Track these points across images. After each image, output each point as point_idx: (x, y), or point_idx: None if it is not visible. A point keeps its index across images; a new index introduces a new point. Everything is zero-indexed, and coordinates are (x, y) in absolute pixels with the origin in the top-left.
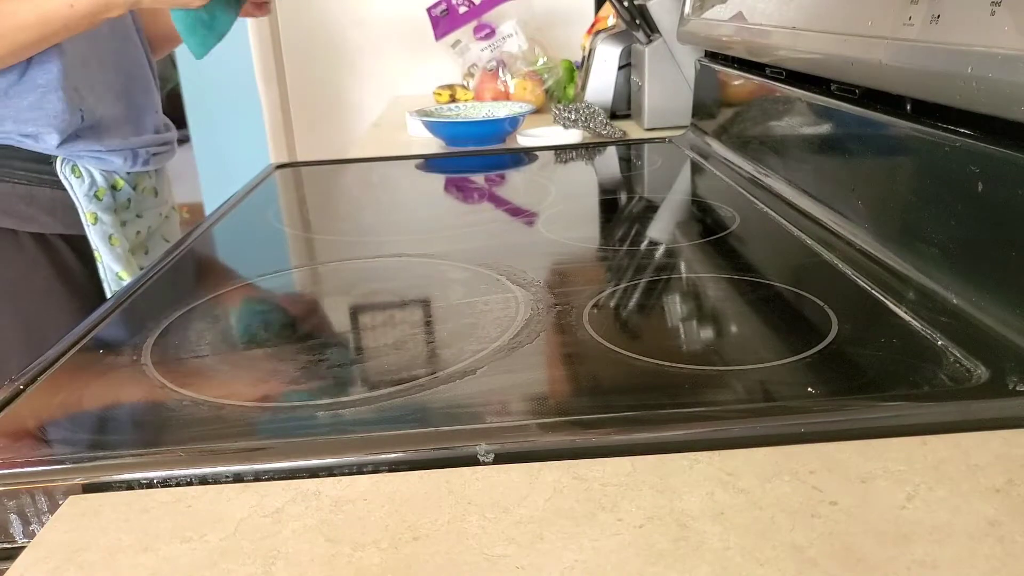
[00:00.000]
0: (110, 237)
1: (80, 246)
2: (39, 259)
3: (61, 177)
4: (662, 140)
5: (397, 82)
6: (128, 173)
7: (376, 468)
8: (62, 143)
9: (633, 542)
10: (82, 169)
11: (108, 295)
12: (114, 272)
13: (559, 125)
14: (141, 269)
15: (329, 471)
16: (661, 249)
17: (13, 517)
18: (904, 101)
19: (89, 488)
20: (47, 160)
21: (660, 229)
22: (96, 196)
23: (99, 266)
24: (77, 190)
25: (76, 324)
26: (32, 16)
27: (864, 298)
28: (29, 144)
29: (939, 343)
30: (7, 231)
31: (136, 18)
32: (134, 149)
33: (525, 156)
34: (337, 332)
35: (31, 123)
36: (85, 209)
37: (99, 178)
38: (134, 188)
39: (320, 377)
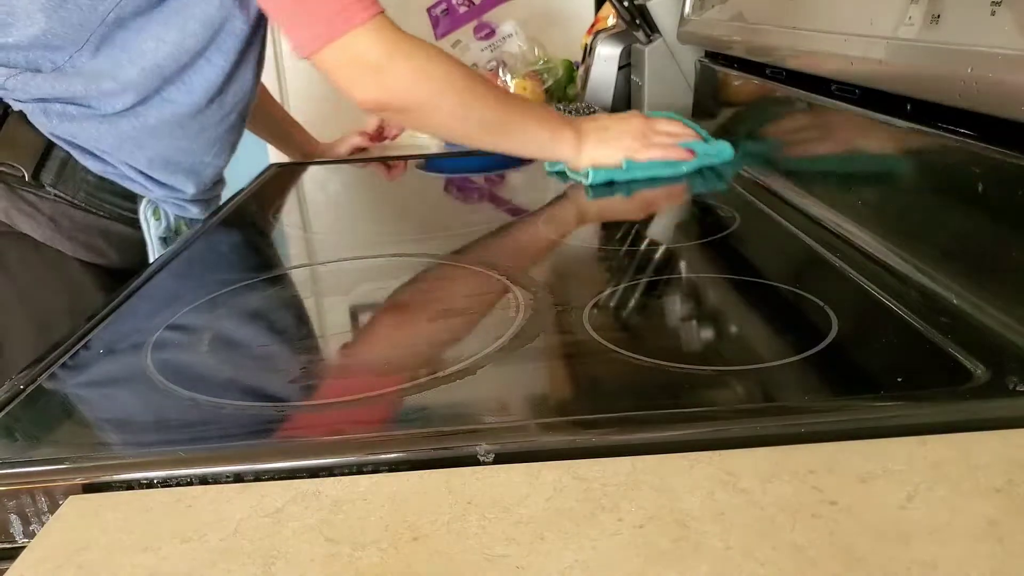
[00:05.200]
0: None
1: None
2: (94, 292)
3: (142, 218)
4: None
5: None
6: (191, 220)
7: (376, 468)
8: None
9: (633, 542)
10: (162, 212)
11: None
12: None
13: None
14: None
15: (329, 471)
16: (661, 249)
17: (13, 517)
18: (904, 101)
19: (89, 488)
20: (133, 198)
21: (660, 229)
22: (165, 240)
23: None
24: (153, 231)
25: None
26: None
27: (864, 298)
28: (136, 186)
29: (939, 343)
30: (73, 260)
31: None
32: (207, 200)
33: None
34: (337, 332)
35: (183, 174)
36: (157, 250)
37: (172, 222)
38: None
39: (320, 377)
